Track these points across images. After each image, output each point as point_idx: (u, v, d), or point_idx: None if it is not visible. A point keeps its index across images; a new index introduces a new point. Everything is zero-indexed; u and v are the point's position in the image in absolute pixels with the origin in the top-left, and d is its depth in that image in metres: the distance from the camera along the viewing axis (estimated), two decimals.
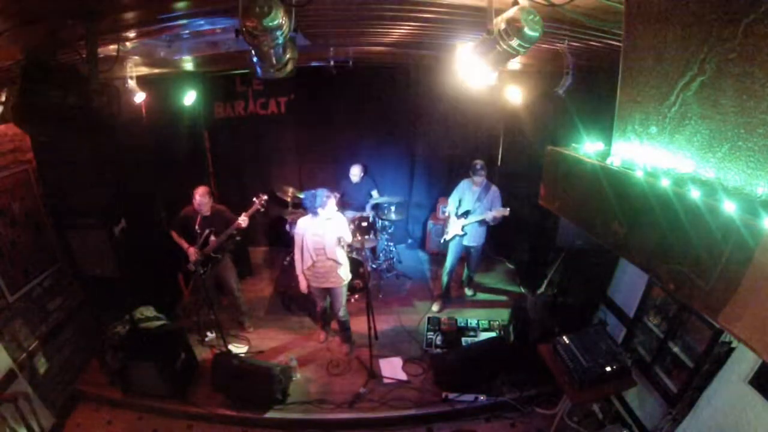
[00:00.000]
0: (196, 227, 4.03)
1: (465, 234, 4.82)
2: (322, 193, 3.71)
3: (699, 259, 1.10)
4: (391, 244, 6.04)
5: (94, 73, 2.33)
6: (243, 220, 4.05)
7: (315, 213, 3.76)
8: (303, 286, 4.08)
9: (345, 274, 4.01)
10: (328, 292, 4.16)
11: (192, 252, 4.10)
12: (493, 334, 4.57)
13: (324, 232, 3.79)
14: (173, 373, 3.81)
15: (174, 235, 4.18)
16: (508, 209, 4.54)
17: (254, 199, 4.13)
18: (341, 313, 4.19)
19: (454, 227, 4.84)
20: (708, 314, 1.13)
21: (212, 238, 4.09)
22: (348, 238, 3.88)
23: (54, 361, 3.77)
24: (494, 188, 4.72)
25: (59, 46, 2.32)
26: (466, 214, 4.74)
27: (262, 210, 4.17)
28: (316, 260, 3.88)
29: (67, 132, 3.62)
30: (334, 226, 3.79)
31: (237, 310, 4.73)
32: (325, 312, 4.45)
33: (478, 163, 4.63)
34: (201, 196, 4.02)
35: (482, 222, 4.70)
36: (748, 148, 1.10)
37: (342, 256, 3.95)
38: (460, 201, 4.83)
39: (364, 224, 5.35)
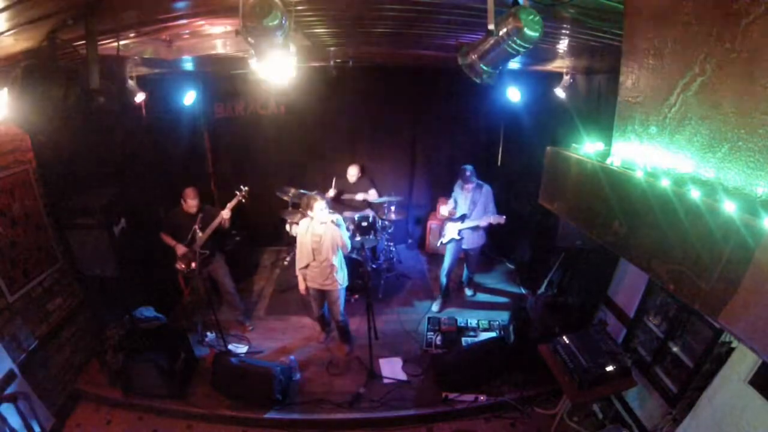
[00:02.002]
0: (184, 225, 4.13)
1: (462, 238, 4.81)
2: (309, 195, 3.76)
3: (699, 259, 1.11)
4: (391, 244, 6.03)
5: (94, 73, 2.33)
6: (225, 213, 4.14)
7: (305, 214, 3.78)
8: (302, 287, 4.08)
9: (342, 278, 4.01)
10: (326, 296, 4.14)
11: (180, 248, 4.16)
12: (493, 334, 4.57)
13: (322, 234, 3.79)
14: (173, 373, 3.81)
15: (164, 237, 4.23)
16: (504, 217, 4.51)
17: (236, 191, 4.23)
18: (340, 317, 4.18)
19: (450, 231, 4.83)
20: (708, 314, 1.13)
21: (199, 233, 4.11)
22: (344, 243, 3.82)
23: (54, 361, 3.77)
24: (486, 187, 4.68)
25: (59, 46, 2.32)
26: (463, 217, 4.72)
27: (244, 201, 4.25)
28: (312, 261, 3.88)
29: (67, 132, 3.64)
30: (332, 229, 3.78)
31: (235, 309, 4.73)
32: (322, 317, 4.43)
33: (467, 169, 4.57)
34: (192, 199, 4.14)
35: (478, 227, 4.69)
36: (748, 148, 1.10)
37: (339, 260, 3.94)
38: (456, 203, 4.82)
39: (364, 224, 5.35)
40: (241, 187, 4.25)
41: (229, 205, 4.16)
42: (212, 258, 4.36)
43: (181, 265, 4.23)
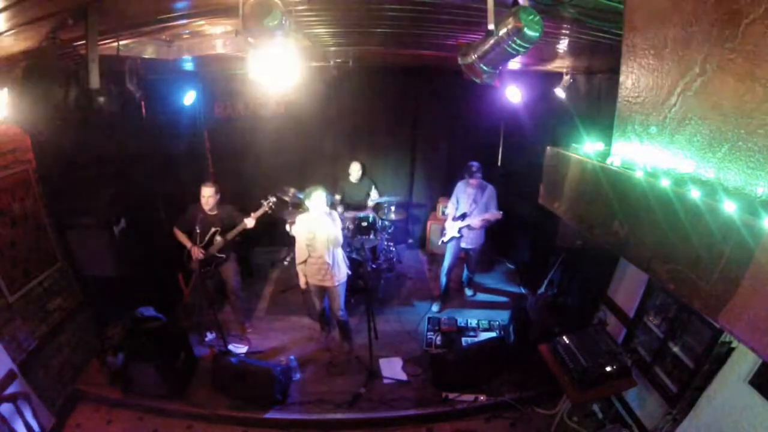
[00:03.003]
0: (202, 226, 4.02)
1: (462, 236, 4.80)
2: (311, 188, 3.76)
3: (699, 259, 1.11)
4: (391, 244, 6.04)
5: (94, 73, 2.33)
6: (249, 222, 4.06)
7: (304, 209, 3.82)
8: (302, 282, 4.11)
9: (340, 274, 4.01)
10: (326, 292, 4.16)
11: (196, 251, 4.07)
12: (493, 334, 4.57)
13: (316, 229, 3.80)
14: (173, 373, 3.81)
15: (178, 233, 4.15)
16: (501, 213, 4.52)
17: (262, 201, 4.13)
18: (340, 313, 4.18)
19: (450, 229, 4.84)
20: (708, 314, 1.13)
21: (217, 237, 4.08)
22: (336, 236, 3.81)
23: (54, 361, 3.77)
24: (490, 188, 4.70)
25: (59, 46, 2.32)
26: (463, 216, 4.72)
27: (270, 212, 4.17)
28: (309, 257, 3.90)
29: (67, 132, 3.64)
30: (326, 225, 3.79)
31: (236, 310, 4.72)
32: (323, 313, 4.45)
33: (474, 164, 4.60)
34: (210, 196, 4.03)
35: (473, 228, 4.68)
36: (748, 148, 1.10)
37: (335, 256, 3.94)
38: (457, 202, 4.82)
39: (364, 224, 5.35)
40: (269, 196, 4.15)
41: (254, 215, 4.08)
42: (227, 261, 4.34)
43: (195, 266, 4.20)
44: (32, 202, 3.68)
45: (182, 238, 4.14)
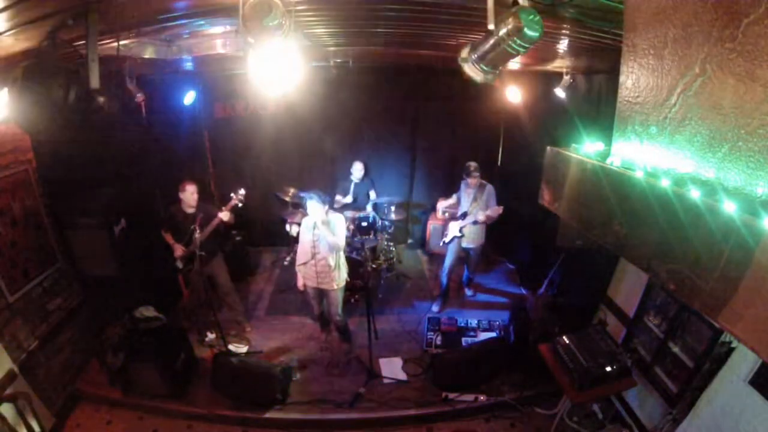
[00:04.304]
0: (183, 224, 4.11)
1: (463, 235, 4.82)
2: (306, 194, 3.78)
3: (699, 259, 1.10)
4: (391, 244, 6.04)
5: (94, 73, 2.33)
6: (224, 215, 4.09)
7: (305, 213, 3.83)
8: (300, 283, 4.11)
9: (339, 278, 4.00)
10: (324, 295, 4.15)
11: (177, 248, 4.13)
12: (493, 334, 4.57)
13: (319, 233, 3.80)
14: (173, 373, 3.81)
15: (164, 234, 4.23)
16: (501, 207, 4.54)
17: (231, 194, 4.16)
18: (337, 317, 4.17)
19: (452, 229, 4.85)
20: (708, 314, 1.13)
21: (197, 234, 4.10)
22: (337, 241, 3.78)
23: (54, 361, 3.77)
24: (489, 187, 4.73)
25: (59, 46, 2.32)
26: (464, 215, 4.74)
27: (240, 205, 4.19)
28: (310, 258, 3.89)
29: (67, 132, 3.64)
30: (329, 228, 3.78)
31: (233, 310, 4.73)
32: (322, 315, 4.44)
33: (472, 164, 4.63)
34: (190, 193, 4.08)
35: (477, 222, 4.70)
36: (748, 148, 1.10)
37: (337, 260, 3.94)
38: (460, 201, 4.84)
39: (364, 224, 5.35)
40: (238, 189, 4.17)
41: (225, 209, 4.11)
42: (211, 258, 4.35)
43: (180, 264, 4.23)
44: (32, 202, 3.68)
45: (168, 238, 4.22)
